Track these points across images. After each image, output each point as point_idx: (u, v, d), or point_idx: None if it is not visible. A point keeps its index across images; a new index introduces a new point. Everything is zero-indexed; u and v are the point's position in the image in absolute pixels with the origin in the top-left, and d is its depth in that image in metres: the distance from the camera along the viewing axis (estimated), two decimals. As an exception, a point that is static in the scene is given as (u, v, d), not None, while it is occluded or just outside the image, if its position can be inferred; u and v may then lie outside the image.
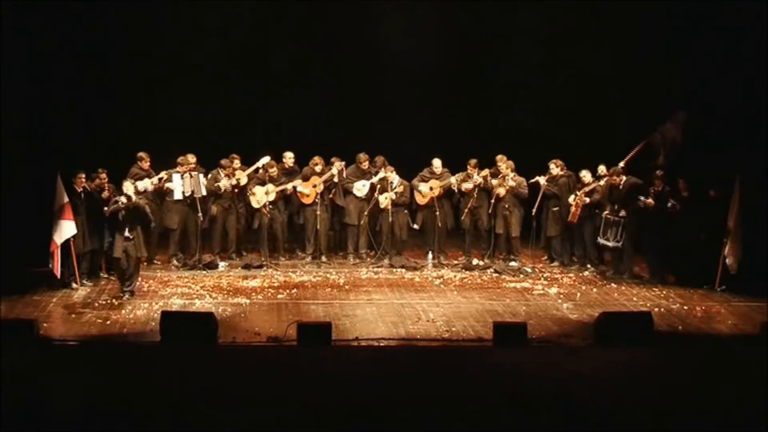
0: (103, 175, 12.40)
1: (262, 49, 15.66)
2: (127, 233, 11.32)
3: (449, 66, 15.93)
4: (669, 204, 12.21)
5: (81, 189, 12.00)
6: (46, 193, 11.74)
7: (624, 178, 12.64)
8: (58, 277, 11.62)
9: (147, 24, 14.75)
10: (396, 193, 13.41)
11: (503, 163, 13.37)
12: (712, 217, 11.95)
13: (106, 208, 11.49)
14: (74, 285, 11.82)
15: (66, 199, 11.60)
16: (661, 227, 12.32)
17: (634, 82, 14.80)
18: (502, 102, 15.74)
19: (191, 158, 13.18)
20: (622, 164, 12.81)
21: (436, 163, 13.68)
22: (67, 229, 11.54)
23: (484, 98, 15.95)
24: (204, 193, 12.97)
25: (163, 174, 13.05)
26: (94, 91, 14.60)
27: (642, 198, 12.32)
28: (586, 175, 13.12)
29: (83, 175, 12.07)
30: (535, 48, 15.52)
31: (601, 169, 13.15)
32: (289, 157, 13.75)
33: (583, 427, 7.03)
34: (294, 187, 13.38)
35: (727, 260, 11.81)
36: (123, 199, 11.37)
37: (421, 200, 13.67)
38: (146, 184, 12.91)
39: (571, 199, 13.11)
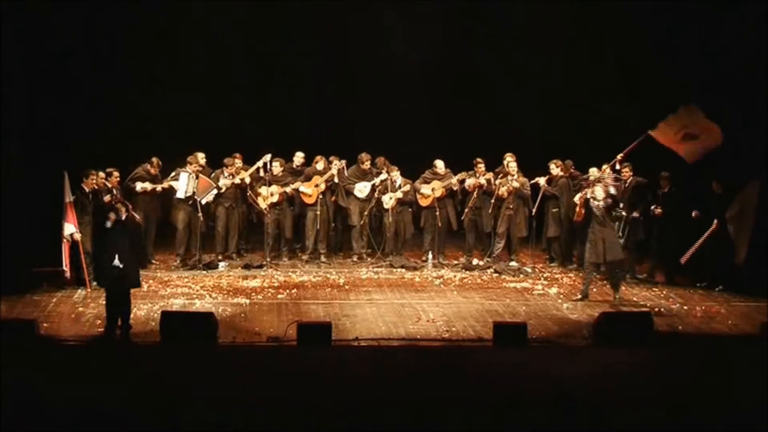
0: (116, 173, 12.31)
1: (264, 50, 15.66)
2: (117, 260, 9.79)
3: (451, 66, 15.92)
4: (693, 214, 12.15)
5: (90, 189, 11.92)
6: (48, 193, 11.71)
7: (630, 176, 12.59)
8: (68, 277, 11.58)
9: (148, 24, 14.74)
10: (402, 191, 13.43)
11: (510, 158, 13.30)
12: (715, 215, 11.94)
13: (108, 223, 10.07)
14: (82, 287, 11.63)
15: (68, 199, 11.53)
16: (666, 228, 12.33)
17: (635, 81, 14.78)
18: (503, 102, 15.71)
19: (200, 156, 13.17)
20: (620, 156, 12.54)
21: (439, 164, 13.67)
22: (66, 230, 11.48)
23: (485, 98, 15.92)
24: (204, 201, 12.92)
25: (166, 183, 13.04)
26: (97, 92, 14.58)
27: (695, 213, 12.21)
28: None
29: (95, 175, 11.97)
30: (536, 48, 15.51)
31: None
32: (299, 157, 13.75)
33: (583, 427, 7.02)
34: (295, 189, 13.38)
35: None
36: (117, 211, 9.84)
37: (423, 202, 13.65)
38: (146, 186, 12.90)
39: (576, 198, 13.07)
